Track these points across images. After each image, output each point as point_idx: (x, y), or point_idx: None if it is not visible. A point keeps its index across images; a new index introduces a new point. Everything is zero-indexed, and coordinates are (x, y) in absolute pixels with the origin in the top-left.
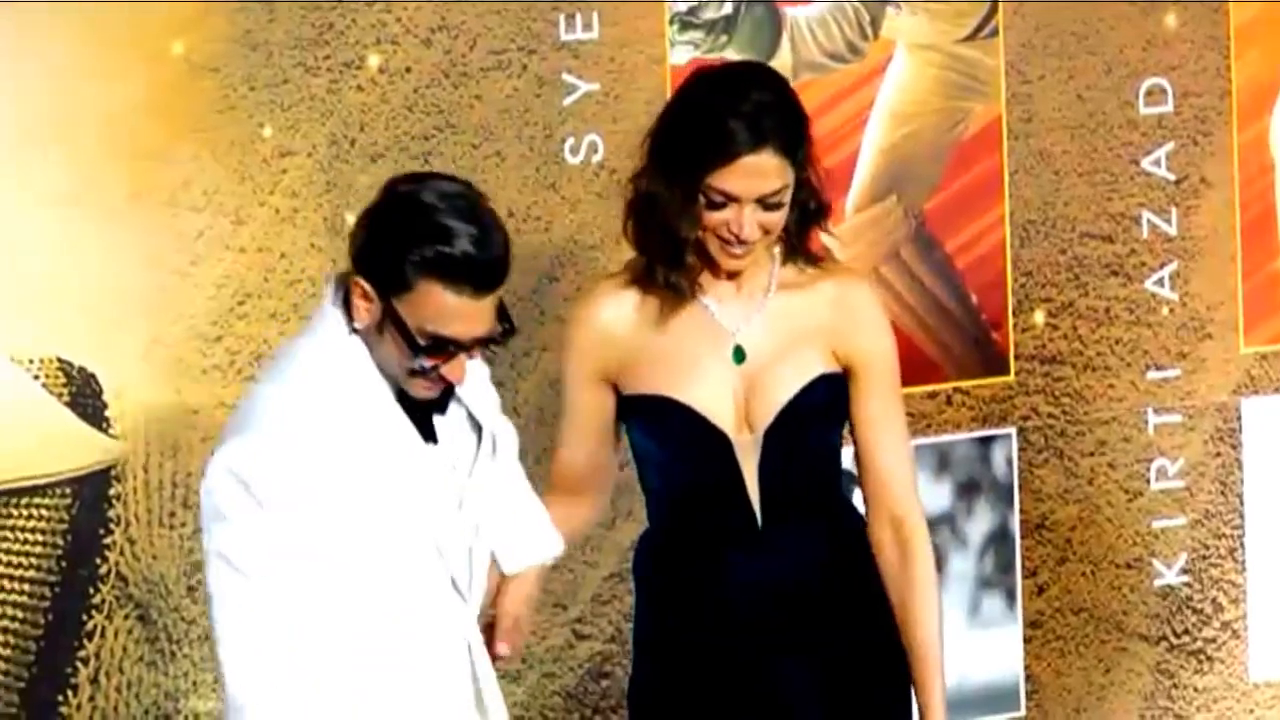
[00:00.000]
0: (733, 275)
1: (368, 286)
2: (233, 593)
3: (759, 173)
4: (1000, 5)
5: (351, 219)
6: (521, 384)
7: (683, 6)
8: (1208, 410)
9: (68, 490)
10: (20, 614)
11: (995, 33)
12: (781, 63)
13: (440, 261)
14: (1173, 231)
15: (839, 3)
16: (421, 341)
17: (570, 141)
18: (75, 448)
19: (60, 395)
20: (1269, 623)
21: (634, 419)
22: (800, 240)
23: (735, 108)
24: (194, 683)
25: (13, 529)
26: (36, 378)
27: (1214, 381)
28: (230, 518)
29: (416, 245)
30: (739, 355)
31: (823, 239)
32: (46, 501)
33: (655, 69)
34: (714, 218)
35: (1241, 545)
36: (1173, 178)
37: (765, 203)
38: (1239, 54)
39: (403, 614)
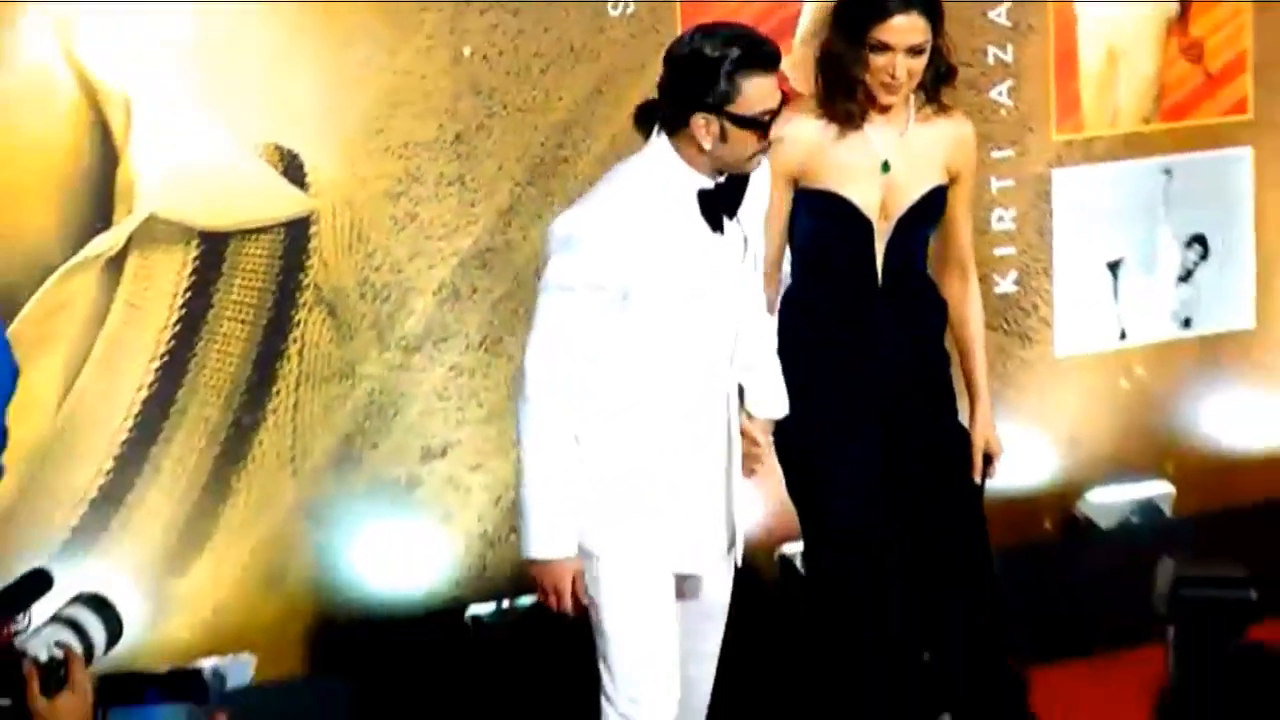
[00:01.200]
0: (885, 110)
1: (705, 117)
2: (546, 306)
3: (908, 28)
4: None
5: (468, 51)
6: (580, 161)
7: None
8: (1031, 178)
9: (282, 230)
10: (252, 313)
11: None
12: None
13: (745, 55)
14: (1009, 60)
15: None
16: (765, 120)
17: None
18: (287, 203)
19: (277, 168)
20: (1067, 318)
21: (805, 204)
22: (933, 92)
23: None
24: (366, 354)
25: (247, 255)
26: (262, 157)
27: (1035, 158)
28: (555, 257)
29: (724, 57)
30: (885, 167)
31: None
32: (268, 238)
33: None
34: (876, 61)
35: (1051, 265)
36: (1009, 24)
37: (913, 50)
38: None
39: (679, 355)
